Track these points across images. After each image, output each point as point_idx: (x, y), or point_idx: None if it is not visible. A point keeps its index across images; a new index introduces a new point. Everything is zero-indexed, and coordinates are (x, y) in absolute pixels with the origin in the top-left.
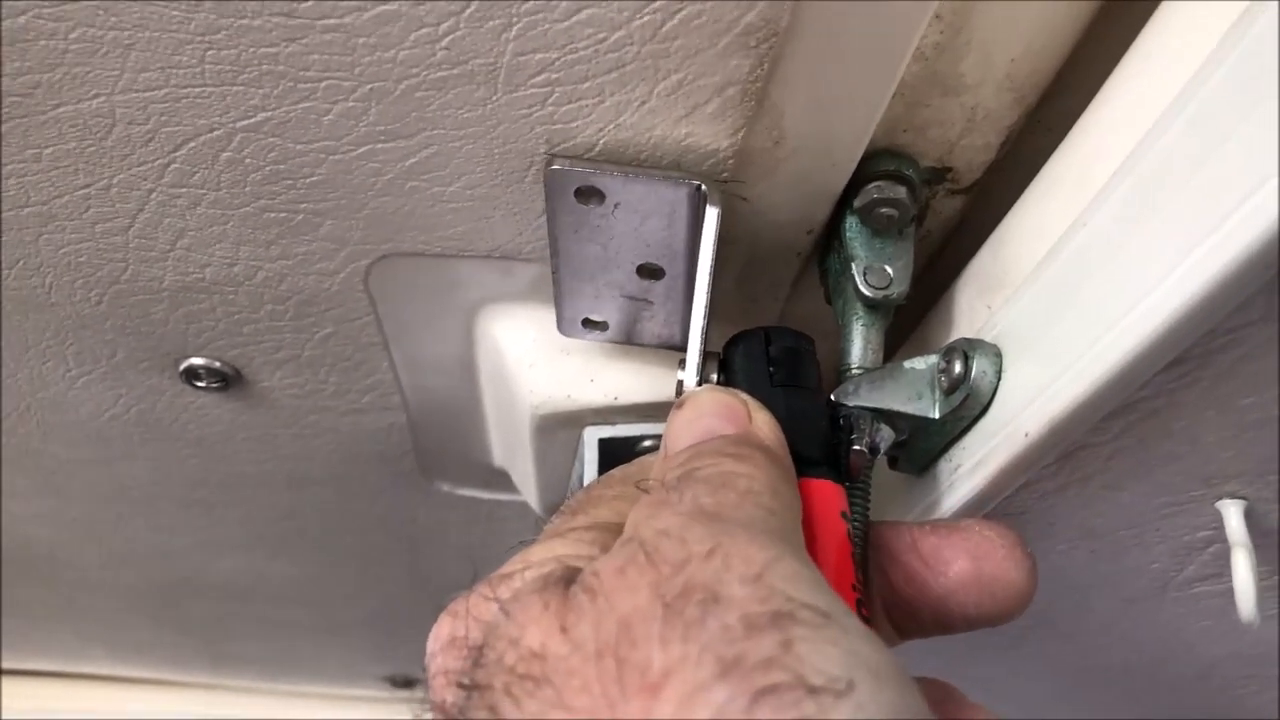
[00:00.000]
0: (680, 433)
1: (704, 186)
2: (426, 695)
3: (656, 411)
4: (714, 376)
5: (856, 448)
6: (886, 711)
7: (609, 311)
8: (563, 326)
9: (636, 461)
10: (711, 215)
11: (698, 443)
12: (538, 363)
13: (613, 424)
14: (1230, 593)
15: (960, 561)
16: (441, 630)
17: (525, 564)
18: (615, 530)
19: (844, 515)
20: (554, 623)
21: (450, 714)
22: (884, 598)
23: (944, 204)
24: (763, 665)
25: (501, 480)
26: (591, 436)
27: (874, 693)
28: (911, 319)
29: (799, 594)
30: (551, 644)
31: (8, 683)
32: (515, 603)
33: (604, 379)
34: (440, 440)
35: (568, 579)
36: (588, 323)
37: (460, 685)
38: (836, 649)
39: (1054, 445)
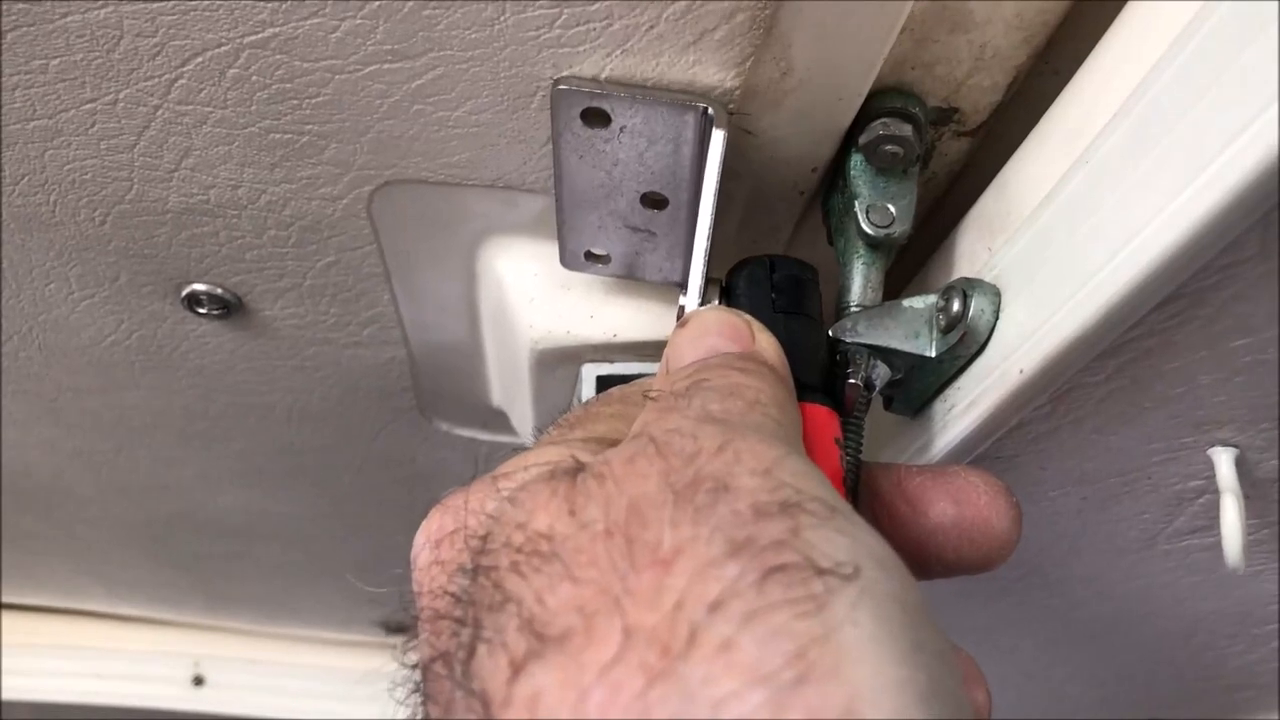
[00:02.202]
0: (684, 350)
1: (710, 110)
2: (406, 599)
3: (655, 350)
4: (716, 302)
5: (852, 381)
6: (890, 597)
7: (611, 244)
8: (565, 258)
9: (636, 382)
10: (717, 138)
11: (703, 358)
12: (538, 297)
13: (611, 361)
14: (1219, 546)
15: (942, 504)
16: (432, 524)
17: (526, 463)
18: (612, 444)
19: (838, 442)
20: (562, 506)
21: (450, 599)
22: None
23: (950, 146)
24: (773, 546)
25: (500, 421)
26: (589, 373)
27: (879, 579)
28: (915, 265)
29: (807, 487)
30: (559, 525)
31: (4, 616)
32: (522, 491)
33: (604, 315)
34: (440, 378)
35: (575, 470)
36: (590, 255)
37: (463, 571)
38: (843, 537)
39: (1048, 383)
